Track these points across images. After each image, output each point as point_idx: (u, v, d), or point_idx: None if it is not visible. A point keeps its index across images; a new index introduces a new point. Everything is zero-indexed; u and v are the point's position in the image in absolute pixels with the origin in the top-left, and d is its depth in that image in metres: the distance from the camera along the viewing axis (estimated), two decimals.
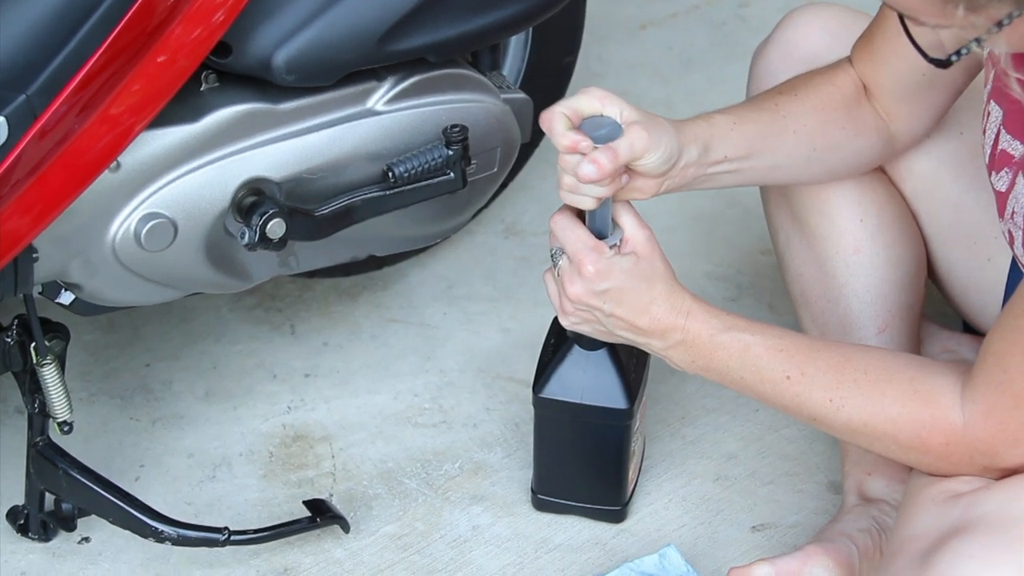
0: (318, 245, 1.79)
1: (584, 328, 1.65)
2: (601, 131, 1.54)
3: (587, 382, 1.74)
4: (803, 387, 1.55)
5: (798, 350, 1.57)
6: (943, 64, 1.35)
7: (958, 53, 1.32)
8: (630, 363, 1.75)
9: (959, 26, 1.27)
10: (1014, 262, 1.69)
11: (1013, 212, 1.50)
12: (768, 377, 1.57)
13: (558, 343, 1.76)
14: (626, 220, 1.62)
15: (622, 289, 1.59)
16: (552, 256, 1.63)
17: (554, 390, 1.75)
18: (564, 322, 1.65)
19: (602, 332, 1.64)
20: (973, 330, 1.89)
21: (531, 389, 1.77)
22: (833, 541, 1.65)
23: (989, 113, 1.54)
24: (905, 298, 1.77)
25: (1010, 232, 1.52)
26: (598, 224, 1.61)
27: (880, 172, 1.78)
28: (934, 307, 1.92)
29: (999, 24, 1.26)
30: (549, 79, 2.14)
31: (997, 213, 1.55)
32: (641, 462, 1.89)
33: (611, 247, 1.59)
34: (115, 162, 1.61)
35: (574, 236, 1.60)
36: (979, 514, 1.41)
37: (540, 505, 1.86)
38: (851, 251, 1.76)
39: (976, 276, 1.78)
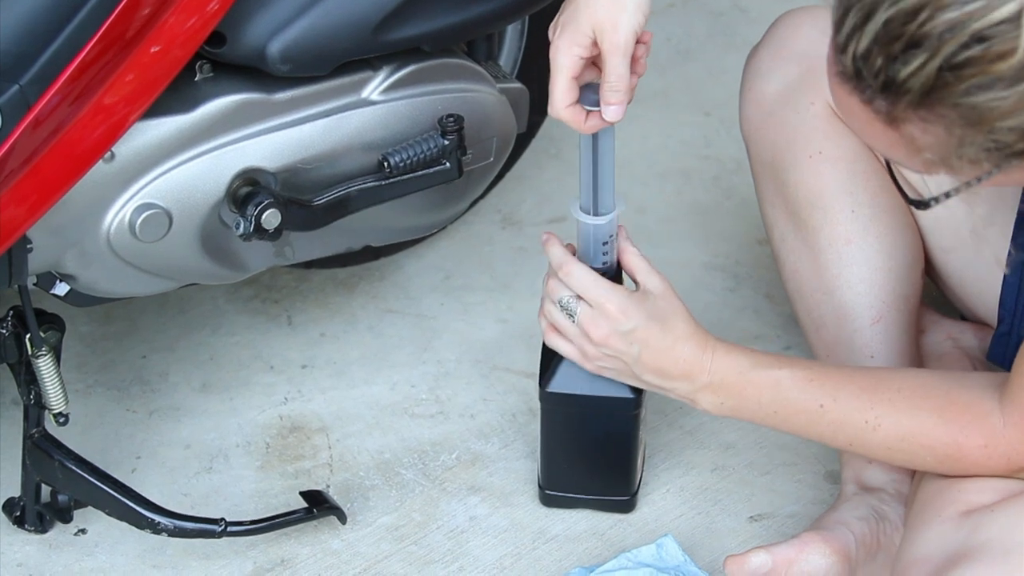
0: (314, 235, 1.79)
1: (611, 374, 1.66)
2: (595, 96, 1.57)
3: (593, 374, 1.73)
4: (838, 414, 1.58)
5: (829, 378, 1.59)
6: (923, 206, 1.41)
7: (937, 198, 1.39)
8: None
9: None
10: (1010, 253, 1.69)
11: None
12: (802, 408, 1.59)
13: None
14: (639, 265, 1.65)
15: (647, 329, 1.61)
16: (564, 308, 1.63)
17: (561, 384, 1.74)
18: (589, 367, 1.66)
19: (629, 375, 1.66)
20: (971, 319, 1.89)
21: (529, 379, 1.77)
22: (830, 529, 1.65)
23: None
24: (900, 288, 1.77)
25: None
26: (600, 233, 1.65)
27: (874, 161, 1.78)
28: (932, 298, 1.92)
29: (979, 179, 1.32)
30: (545, 69, 2.12)
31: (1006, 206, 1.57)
32: (645, 452, 1.89)
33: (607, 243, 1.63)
34: (109, 152, 1.61)
35: (590, 279, 1.63)
36: (983, 540, 1.44)
37: (548, 501, 1.85)
38: (843, 242, 1.76)
39: (972, 267, 1.78)
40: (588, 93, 1.57)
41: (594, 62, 1.58)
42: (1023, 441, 1.50)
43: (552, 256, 1.66)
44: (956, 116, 1.27)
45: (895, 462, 1.61)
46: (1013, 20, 1.22)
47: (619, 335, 1.62)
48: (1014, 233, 1.67)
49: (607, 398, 1.74)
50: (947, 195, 1.38)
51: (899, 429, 1.55)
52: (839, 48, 1.31)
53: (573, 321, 1.64)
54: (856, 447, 1.60)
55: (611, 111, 1.56)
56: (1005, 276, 1.71)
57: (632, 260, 1.67)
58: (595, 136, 1.61)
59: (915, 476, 1.65)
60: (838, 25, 1.31)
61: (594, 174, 1.63)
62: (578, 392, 1.74)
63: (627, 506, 1.84)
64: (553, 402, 1.76)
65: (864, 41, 1.27)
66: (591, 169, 1.63)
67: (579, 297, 1.64)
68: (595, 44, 1.55)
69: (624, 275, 1.70)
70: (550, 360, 1.75)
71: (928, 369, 1.71)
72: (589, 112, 1.57)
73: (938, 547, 1.47)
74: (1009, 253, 1.69)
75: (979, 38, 1.22)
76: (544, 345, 1.77)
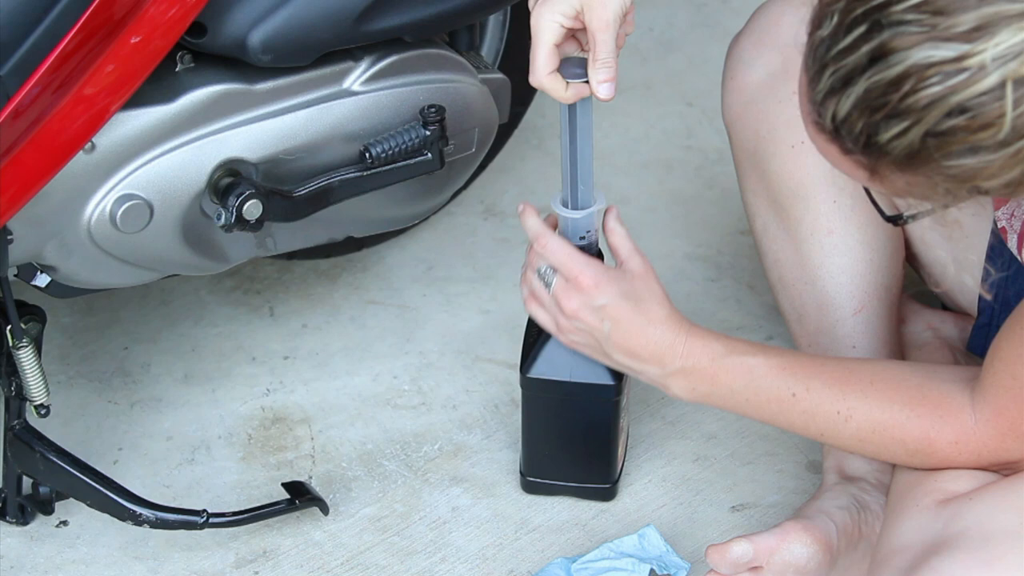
0: (295, 226, 1.79)
1: (584, 349, 1.66)
2: (577, 69, 1.57)
3: (574, 360, 1.73)
4: (810, 403, 1.57)
5: (801, 367, 1.59)
6: (895, 221, 1.43)
7: (914, 216, 1.41)
8: None
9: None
10: (991, 243, 1.69)
11: (1013, 213, 1.53)
12: (774, 396, 1.59)
13: None
14: (622, 244, 1.64)
15: (619, 307, 1.60)
16: (542, 277, 1.63)
17: (542, 370, 1.75)
18: (563, 339, 1.66)
19: (600, 354, 1.65)
20: (953, 309, 1.89)
21: (512, 370, 1.77)
22: (812, 518, 1.65)
23: None
24: (882, 278, 1.77)
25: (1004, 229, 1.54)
26: (578, 227, 1.65)
27: None
28: (914, 287, 1.92)
29: (945, 205, 1.33)
30: (527, 59, 2.12)
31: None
32: (627, 440, 1.89)
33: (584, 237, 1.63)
34: (90, 143, 1.60)
35: (565, 252, 1.62)
36: (960, 529, 1.44)
37: (529, 488, 1.85)
38: (825, 232, 1.76)
39: (954, 257, 1.78)
40: (570, 66, 1.57)
41: (573, 34, 1.58)
42: (994, 438, 1.50)
43: (528, 228, 1.66)
44: (941, 177, 1.27)
45: (867, 454, 1.61)
46: (996, 90, 1.21)
47: (590, 309, 1.61)
48: (988, 252, 1.67)
49: (587, 384, 1.74)
50: (924, 213, 1.39)
51: (871, 421, 1.55)
52: (815, 102, 1.29)
53: (549, 291, 1.64)
54: (828, 438, 1.59)
55: (604, 88, 1.55)
56: (985, 267, 1.72)
57: (617, 240, 1.65)
58: (573, 126, 1.61)
59: (894, 466, 1.65)
60: (813, 80, 1.29)
61: (572, 165, 1.64)
62: (558, 378, 1.74)
63: (608, 494, 1.84)
64: (533, 388, 1.77)
65: (844, 105, 1.26)
66: (569, 160, 1.64)
67: (556, 269, 1.63)
68: (579, 17, 1.54)
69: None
70: (531, 345, 1.75)
71: (903, 361, 1.70)
72: (570, 83, 1.57)
73: (917, 536, 1.47)
74: (987, 252, 1.70)
75: (962, 109, 1.22)
76: (526, 330, 1.77)
